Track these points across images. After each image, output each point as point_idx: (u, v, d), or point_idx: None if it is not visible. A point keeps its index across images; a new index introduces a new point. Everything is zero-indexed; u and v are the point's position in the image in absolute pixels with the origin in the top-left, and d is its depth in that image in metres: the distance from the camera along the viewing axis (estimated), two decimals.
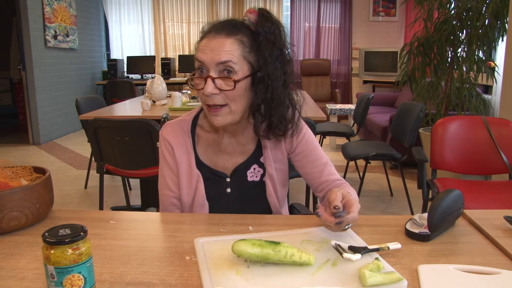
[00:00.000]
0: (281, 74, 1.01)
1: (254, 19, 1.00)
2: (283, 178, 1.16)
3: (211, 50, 0.96)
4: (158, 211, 1.21)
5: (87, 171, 3.67)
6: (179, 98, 2.99)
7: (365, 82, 6.77)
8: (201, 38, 1.01)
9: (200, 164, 1.12)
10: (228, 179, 1.13)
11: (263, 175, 1.13)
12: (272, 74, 0.99)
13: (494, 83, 3.54)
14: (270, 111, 1.03)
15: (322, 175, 1.13)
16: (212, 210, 1.11)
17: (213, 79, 0.96)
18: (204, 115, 1.14)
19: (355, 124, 4.07)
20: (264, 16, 1.00)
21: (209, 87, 0.95)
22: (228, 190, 1.13)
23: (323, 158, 1.15)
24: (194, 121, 1.14)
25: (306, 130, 1.15)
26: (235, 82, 0.96)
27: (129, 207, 2.78)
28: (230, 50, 0.96)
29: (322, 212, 0.88)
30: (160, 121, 2.30)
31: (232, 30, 0.98)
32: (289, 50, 1.04)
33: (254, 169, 1.13)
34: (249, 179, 1.13)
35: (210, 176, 1.12)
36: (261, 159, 1.13)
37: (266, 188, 1.13)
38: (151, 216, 1.07)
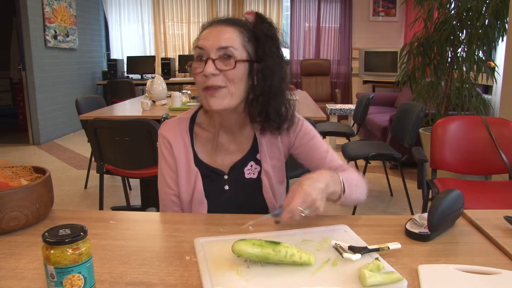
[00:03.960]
0: (279, 68, 1.04)
1: (252, 20, 1.05)
2: (279, 175, 1.17)
3: (212, 37, 1.00)
4: (158, 211, 1.21)
5: (87, 171, 3.67)
6: (179, 98, 2.99)
7: (365, 82, 6.76)
8: (201, 31, 1.04)
9: (198, 162, 1.13)
10: (226, 177, 1.14)
11: (260, 172, 1.14)
12: (272, 67, 1.03)
13: (494, 83, 3.54)
14: (267, 102, 1.04)
15: (325, 162, 1.13)
16: (210, 207, 1.12)
17: (213, 60, 0.98)
18: (202, 113, 1.15)
19: (355, 124, 4.07)
20: (261, 18, 1.05)
21: (210, 68, 0.97)
22: (226, 187, 1.14)
23: (323, 146, 1.16)
24: (192, 119, 1.15)
25: (302, 122, 1.16)
26: (236, 61, 0.98)
27: (129, 207, 2.78)
28: (231, 37, 0.99)
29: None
30: (160, 121, 2.30)
31: (233, 21, 1.03)
32: (285, 49, 1.08)
33: (251, 166, 1.14)
34: (247, 176, 1.14)
35: (208, 174, 1.13)
36: (258, 156, 1.14)
37: (262, 185, 1.14)
38: (151, 216, 1.07)
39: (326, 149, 1.15)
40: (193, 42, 1.05)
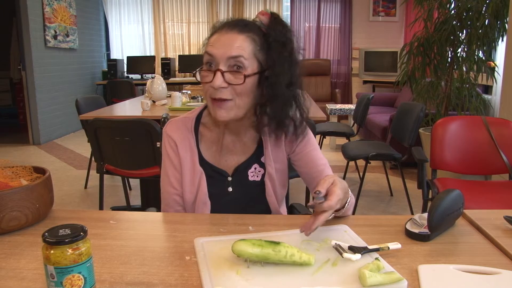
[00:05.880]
0: (287, 74, 1.01)
1: (266, 21, 1.02)
2: (282, 179, 1.17)
3: (222, 45, 0.97)
4: (158, 211, 1.21)
5: (87, 171, 3.67)
6: (179, 98, 2.99)
7: (365, 82, 6.77)
8: (212, 34, 1.01)
9: (203, 162, 1.12)
10: (229, 178, 1.13)
11: (263, 175, 1.14)
12: (279, 74, 1.00)
13: (494, 83, 3.55)
14: (274, 110, 1.03)
15: (321, 175, 1.12)
16: (213, 208, 1.12)
17: (222, 73, 0.96)
18: (207, 113, 1.14)
19: (355, 124, 4.07)
20: (276, 19, 1.02)
21: (218, 80, 0.96)
22: (230, 189, 1.13)
23: (323, 159, 1.15)
24: (198, 119, 1.14)
25: (307, 130, 1.15)
26: (246, 76, 0.96)
27: (129, 207, 2.78)
28: (242, 46, 0.97)
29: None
30: (160, 121, 2.30)
31: (245, 27, 0.99)
32: (299, 52, 1.04)
33: (255, 168, 1.13)
34: (250, 178, 1.13)
35: (213, 174, 1.12)
36: (262, 159, 1.13)
37: (265, 188, 1.13)
38: (151, 216, 1.07)
39: (324, 162, 1.14)
40: (203, 42, 1.03)
